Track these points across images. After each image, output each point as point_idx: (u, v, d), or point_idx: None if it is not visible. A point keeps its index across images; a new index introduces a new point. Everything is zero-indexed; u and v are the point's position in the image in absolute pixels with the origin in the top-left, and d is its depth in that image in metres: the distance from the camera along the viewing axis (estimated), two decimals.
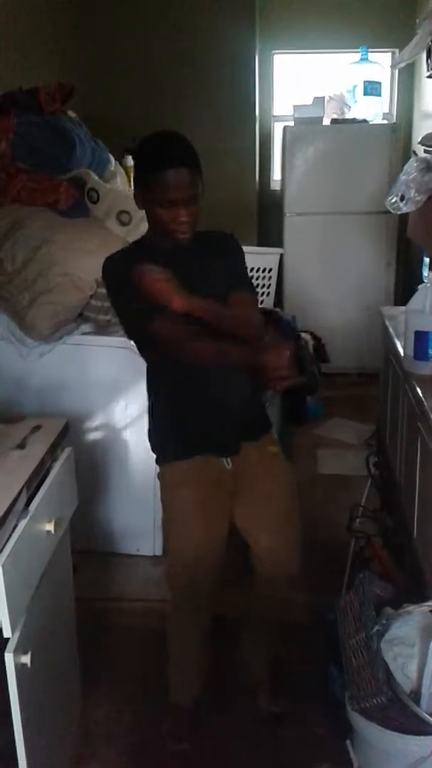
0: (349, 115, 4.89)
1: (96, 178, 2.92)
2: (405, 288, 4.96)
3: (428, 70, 2.76)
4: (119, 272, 1.80)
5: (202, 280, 1.80)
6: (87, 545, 2.84)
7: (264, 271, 3.79)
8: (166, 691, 2.19)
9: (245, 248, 2.01)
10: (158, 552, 2.95)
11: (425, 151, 2.79)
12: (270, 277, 4.72)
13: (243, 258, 1.99)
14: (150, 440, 2.02)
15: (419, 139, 3.09)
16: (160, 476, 2.01)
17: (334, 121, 4.88)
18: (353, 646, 1.76)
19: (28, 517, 1.53)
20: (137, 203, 1.83)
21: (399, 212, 2.58)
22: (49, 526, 1.63)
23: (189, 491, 1.93)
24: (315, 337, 3.85)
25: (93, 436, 2.87)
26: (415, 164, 2.44)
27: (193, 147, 1.80)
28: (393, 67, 3.72)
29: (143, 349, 1.94)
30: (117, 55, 4.88)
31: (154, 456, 2.01)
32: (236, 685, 2.28)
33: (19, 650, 1.43)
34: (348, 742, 1.81)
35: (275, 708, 2.22)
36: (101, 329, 2.85)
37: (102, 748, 2.13)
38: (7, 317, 2.82)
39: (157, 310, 1.71)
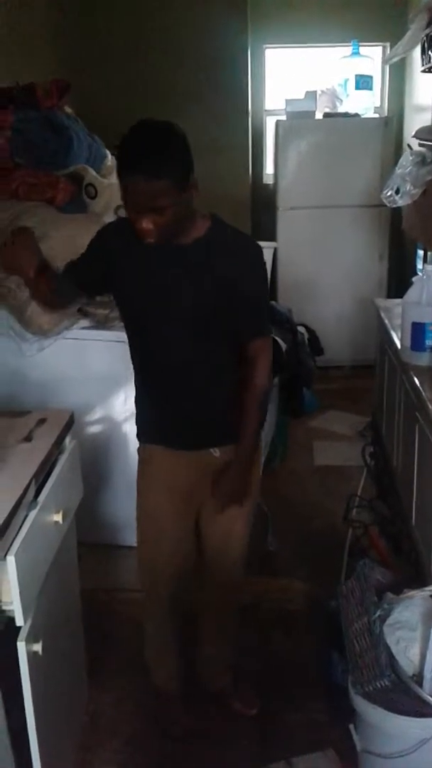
0: (341, 109, 4.92)
1: (93, 173, 2.93)
2: (397, 280, 5.00)
3: (423, 65, 2.78)
4: (99, 233, 1.87)
5: (185, 286, 1.73)
6: (90, 537, 2.85)
7: None
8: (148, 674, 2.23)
9: None
10: None
11: (420, 145, 2.82)
12: None
13: (257, 279, 1.81)
14: None
15: (413, 133, 3.11)
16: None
17: (326, 115, 4.90)
18: (355, 632, 1.79)
19: (38, 507, 1.56)
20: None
21: (394, 206, 2.61)
22: (57, 517, 1.66)
23: (158, 471, 1.95)
24: (309, 330, 3.89)
25: (94, 429, 2.89)
26: (411, 158, 2.48)
27: (177, 145, 1.60)
28: (385, 62, 3.75)
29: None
30: (111, 51, 4.89)
31: None
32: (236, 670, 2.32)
33: (30, 639, 1.46)
34: (351, 726, 1.84)
35: (250, 710, 2.23)
36: (100, 324, 2.87)
37: (107, 735, 2.16)
38: (7, 312, 2.84)
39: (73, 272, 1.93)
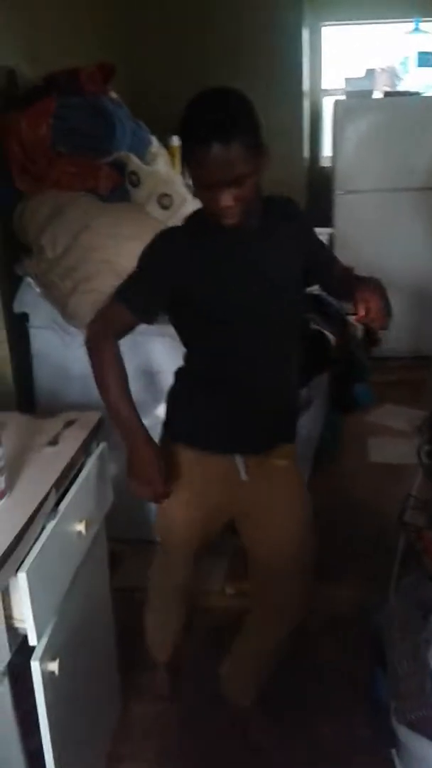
0: (399, 88, 4.70)
1: (137, 161, 2.84)
2: None
3: None
4: (154, 248, 1.64)
5: (270, 264, 1.64)
6: (129, 534, 2.82)
7: None
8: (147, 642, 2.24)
9: None
10: None
11: None
12: None
13: (311, 225, 1.88)
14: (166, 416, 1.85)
15: None
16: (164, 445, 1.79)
17: (387, 94, 4.68)
18: (400, 654, 1.67)
19: (57, 518, 1.48)
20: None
21: None
22: (80, 527, 1.57)
23: (186, 474, 1.77)
24: None
25: None
26: None
27: (246, 109, 1.48)
28: None
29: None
30: (159, 32, 4.76)
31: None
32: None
33: (46, 658, 1.38)
34: (393, 751, 1.73)
35: (264, 742, 2.05)
36: None
37: (141, 745, 2.09)
38: (50, 305, 2.79)
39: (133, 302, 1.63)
